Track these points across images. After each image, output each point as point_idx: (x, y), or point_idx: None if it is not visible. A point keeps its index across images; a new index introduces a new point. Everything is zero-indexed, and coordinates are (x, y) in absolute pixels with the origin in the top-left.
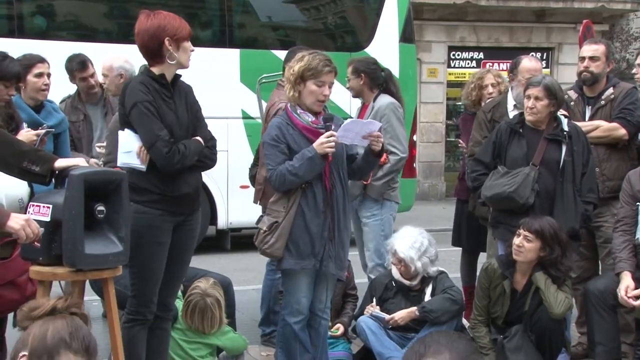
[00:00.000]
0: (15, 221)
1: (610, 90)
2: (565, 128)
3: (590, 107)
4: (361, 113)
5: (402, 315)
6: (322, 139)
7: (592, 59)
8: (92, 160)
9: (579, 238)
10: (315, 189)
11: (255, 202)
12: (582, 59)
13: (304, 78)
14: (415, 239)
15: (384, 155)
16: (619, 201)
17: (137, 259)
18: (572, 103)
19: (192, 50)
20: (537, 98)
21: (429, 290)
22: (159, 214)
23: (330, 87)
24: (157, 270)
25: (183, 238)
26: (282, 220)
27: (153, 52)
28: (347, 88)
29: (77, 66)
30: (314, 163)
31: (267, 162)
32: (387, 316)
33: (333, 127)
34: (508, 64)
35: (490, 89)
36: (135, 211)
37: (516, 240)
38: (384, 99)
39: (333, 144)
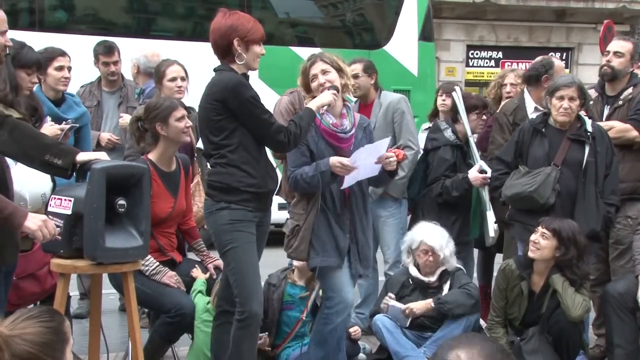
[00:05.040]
0: (33, 222)
1: (630, 90)
2: (589, 129)
3: (608, 106)
4: (361, 111)
5: (418, 305)
6: (342, 162)
7: (616, 54)
8: (105, 135)
9: (599, 240)
10: (333, 191)
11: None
12: (607, 53)
13: (306, 85)
14: (438, 229)
15: (402, 153)
16: (632, 203)
17: (236, 260)
18: (591, 102)
19: (263, 54)
20: (571, 98)
21: (446, 286)
22: (249, 210)
23: (324, 73)
24: (255, 265)
25: (261, 234)
26: (303, 222)
27: (223, 50)
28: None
29: (103, 50)
30: (325, 177)
31: (289, 162)
32: (403, 306)
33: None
34: (527, 64)
35: (508, 88)
36: (229, 212)
37: (533, 237)
38: (391, 95)
39: (346, 170)
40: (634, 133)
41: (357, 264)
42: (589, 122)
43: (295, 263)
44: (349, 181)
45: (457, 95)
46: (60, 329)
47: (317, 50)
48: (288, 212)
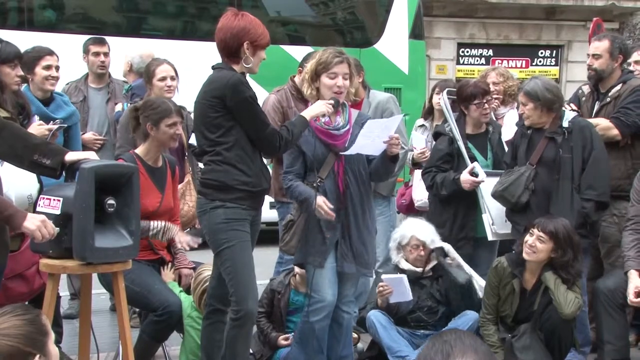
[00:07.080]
0: (32, 222)
1: (618, 87)
2: (565, 124)
3: (599, 102)
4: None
5: None
6: (327, 204)
7: (594, 56)
8: (88, 136)
9: (584, 235)
10: (327, 188)
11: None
12: (589, 56)
13: (317, 73)
14: (425, 223)
15: None
16: (617, 200)
17: (232, 258)
18: (584, 98)
19: (265, 59)
20: (523, 104)
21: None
22: (243, 209)
23: (345, 78)
24: (250, 264)
25: (253, 232)
26: (297, 218)
27: (231, 51)
28: None
29: (94, 40)
30: (309, 205)
31: (285, 164)
32: (399, 275)
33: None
34: (517, 61)
35: (491, 87)
36: (223, 210)
37: (529, 240)
38: (380, 94)
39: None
40: (615, 131)
41: (345, 262)
42: (567, 117)
43: (297, 270)
44: (354, 149)
45: (443, 99)
46: (38, 320)
47: (307, 49)
48: (277, 209)
